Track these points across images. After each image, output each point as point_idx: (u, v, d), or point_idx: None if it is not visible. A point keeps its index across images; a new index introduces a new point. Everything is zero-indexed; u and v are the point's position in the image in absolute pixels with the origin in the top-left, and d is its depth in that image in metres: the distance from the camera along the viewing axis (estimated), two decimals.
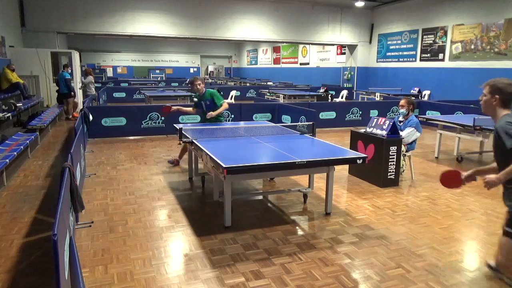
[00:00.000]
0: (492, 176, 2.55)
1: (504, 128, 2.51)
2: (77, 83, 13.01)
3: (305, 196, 4.89)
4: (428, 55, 15.12)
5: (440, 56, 14.56)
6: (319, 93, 15.07)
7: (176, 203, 4.78)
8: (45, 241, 3.71)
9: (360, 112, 11.13)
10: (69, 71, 11.81)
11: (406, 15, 16.06)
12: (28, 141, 6.45)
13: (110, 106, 11.27)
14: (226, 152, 4.36)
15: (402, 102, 5.96)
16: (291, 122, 9.27)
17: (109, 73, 28.43)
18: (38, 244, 3.67)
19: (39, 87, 12.26)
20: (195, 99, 6.36)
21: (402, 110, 5.93)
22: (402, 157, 5.62)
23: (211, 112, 6.06)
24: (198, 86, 6.15)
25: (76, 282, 2.03)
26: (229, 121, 9.92)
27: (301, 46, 24.03)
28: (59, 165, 6.29)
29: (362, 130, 5.96)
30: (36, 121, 8.45)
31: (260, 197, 5.09)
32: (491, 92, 2.65)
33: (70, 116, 11.80)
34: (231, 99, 15.71)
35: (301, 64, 24.46)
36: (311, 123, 5.62)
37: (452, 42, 14.01)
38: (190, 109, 6.48)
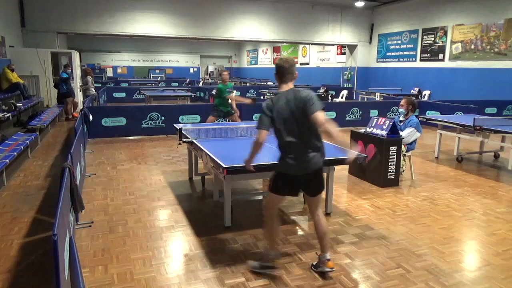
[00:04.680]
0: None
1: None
2: (76, 83, 13.01)
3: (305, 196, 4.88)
4: (428, 55, 15.12)
5: (440, 56, 14.56)
6: (319, 93, 15.05)
7: (176, 203, 4.78)
8: (45, 241, 3.71)
9: (360, 112, 11.14)
10: (68, 71, 11.81)
11: (406, 15, 16.06)
12: (28, 141, 6.45)
13: (110, 106, 11.27)
14: (226, 152, 4.36)
15: (402, 102, 6.00)
16: None
17: (109, 73, 28.40)
18: (38, 244, 3.67)
19: (39, 87, 12.26)
20: (227, 89, 7.88)
21: (401, 110, 5.95)
22: (402, 157, 5.62)
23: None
24: (227, 76, 8.08)
25: (76, 282, 2.03)
26: (228, 121, 9.91)
27: (301, 46, 24.02)
28: (59, 165, 6.29)
29: (362, 130, 5.96)
30: (36, 121, 8.45)
31: (260, 197, 5.09)
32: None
33: (70, 116, 11.81)
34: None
35: (301, 64, 24.45)
36: None
37: (452, 42, 14.02)
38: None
